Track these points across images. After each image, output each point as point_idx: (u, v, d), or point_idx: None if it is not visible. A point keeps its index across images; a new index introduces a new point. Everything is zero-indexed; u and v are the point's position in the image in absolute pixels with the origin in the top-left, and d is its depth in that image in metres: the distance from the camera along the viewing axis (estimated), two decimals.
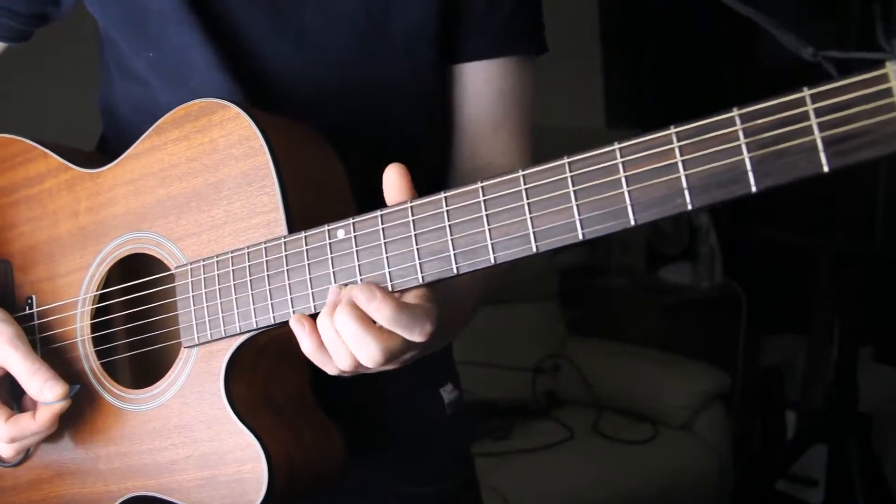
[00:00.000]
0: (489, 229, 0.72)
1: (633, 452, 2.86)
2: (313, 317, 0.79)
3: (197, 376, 0.87)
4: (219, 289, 0.85)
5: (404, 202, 0.76)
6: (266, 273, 0.82)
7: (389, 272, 0.76)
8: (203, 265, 0.86)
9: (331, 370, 0.80)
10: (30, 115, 2.28)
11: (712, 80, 3.75)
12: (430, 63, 1.01)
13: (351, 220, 0.78)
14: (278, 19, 0.96)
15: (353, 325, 0.74)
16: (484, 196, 0.72)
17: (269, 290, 0.82)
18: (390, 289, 0.76)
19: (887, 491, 2.88)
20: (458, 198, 0.74)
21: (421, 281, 0.75)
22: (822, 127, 0.60)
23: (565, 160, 0.69)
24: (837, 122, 0.59)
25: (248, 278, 0.83)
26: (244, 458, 0.83)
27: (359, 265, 0.77)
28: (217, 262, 0.85)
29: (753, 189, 0.62)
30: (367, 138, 0.99)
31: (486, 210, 0.72)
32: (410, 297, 0.76)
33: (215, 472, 0.85)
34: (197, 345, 0.87)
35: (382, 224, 0.77)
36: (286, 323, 0.80)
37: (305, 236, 0.80)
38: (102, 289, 0.95)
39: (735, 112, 0.63)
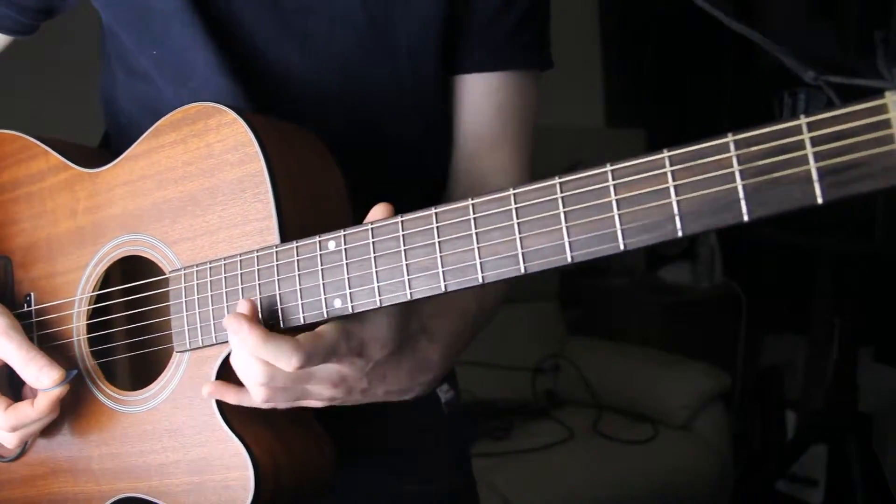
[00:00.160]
0: (478, 248, 0.71)
1: (633, 452, 2.86)
2: (300, 329, 0.79)
3: (188, 381, 0.87)
4: (211, 295, 0.85)
5: (395, 216, 0.76)
6: (258, 282, 0.82)
7: (378, 286, 0.75)
8: (196, 271, 0.86)
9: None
10: (34, 109, 2.29)
11: (712, 79, 3.75)
12: (432, 72, 1.01)
13: (342, 233, 0.78)
14: (282, 23, 0.96)
15: (234, 350, 0.78)
16: (474, 214, 0.72)
17: (260, 299, 0.81)
18: (377, 304, 0.76)
19: (887, 491, 2.88)
20: (449, 214, 0.73)
21: (409, 297, 0.74)
22: (817, 157, 0.58)
23: (556, 180, 0.68)
24: (834, 152, 0.58)
25: (240, 286, 0.83)
26: (232, 465, 0.84)
27: (348, 278, 0.77)
28: (210, 268, 0.85)
29: (745, 218, 0.61)
30: (367, 144, 0.99)
31: (475, 228, 0.71)
32: (325, 327, 0.77)
33: (203, 478, 0.86)
34: (188, 350, 0.87)
35: (373, 238, 0.76)
36: (279, 331, 0.80)
37: (297, 246, 0.80)
38: (100, 289, 0.95)
39: (730, 138, 0.62)
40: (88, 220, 0.96)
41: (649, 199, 0.64)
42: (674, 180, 0.63)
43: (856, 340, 2.96)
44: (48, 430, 0.96)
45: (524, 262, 0.69)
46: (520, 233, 0.69)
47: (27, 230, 1.01)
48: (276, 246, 0.81)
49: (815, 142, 0.59)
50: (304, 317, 0.79)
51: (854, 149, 0.57)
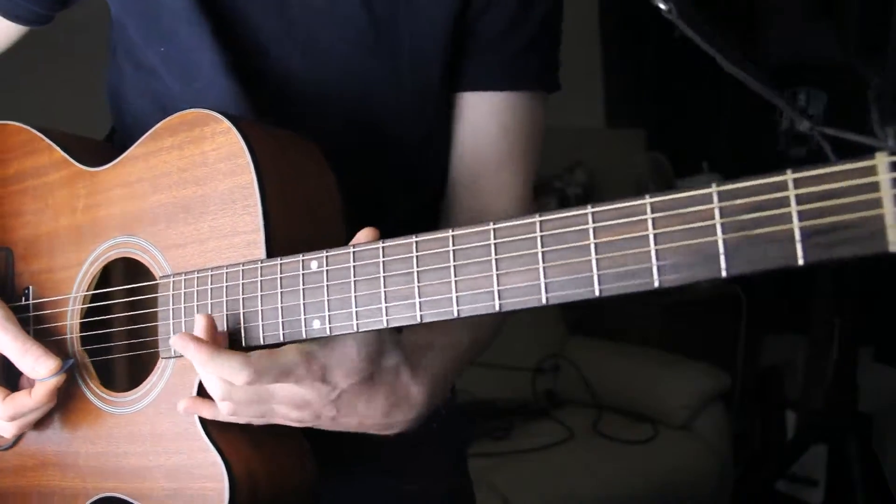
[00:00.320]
0: (455, 281, 0.70)
1: (633, 452, 2.86)
2: (277, 345, 0.80)
3: (172, 387, 0.87)
4: (196, 305, 0.85)
5: (377, 242, 0.75)
6: (241, 296, 0.82)
7: (357, 311, 0.75)
8: (184, 279, 0.86)
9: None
10: (44, 99, 2.29)
11: (712, 80, 3.75)
12: (434, 75, 1.00)
13: (325, 253, 0.77)
14: (289, 30, 0.96)
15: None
16: (454, 245, 0.71)
17: (243, 313, 0.82)
18: (355, 328, 0.75)
19: (887, 491, 2.88)
20: (429, 244, 0.72)
21: (386, 324, 0.74)
22: (802, 216, 0.56)
23: (537, 218, 0.67)
24: (819, 212, 0.55)
25: (225, 299, 0.83)
26: (209, 475, 0.84)
27: (328, 300, 0.77)
28: (197, 278, 0.85)
29: (724, 274, 0.59)
30: (366, 146, 0.99)
31: (454, 260, 0.71)
32: (285, 347, 0.78)
33: (182, 486, 0.86)
34: (173, 357, 0.87)
35: (354, 261, 0.76)
36: (258, 347, 0.80)
37: (281, 263, 0.80)
38: (97, 287, 0.96)
39: (713, 189, 0.59)
40: (87, 218, 0.97)
41: (628, 246, 0.63)
42: (654, 228, 0.62)
43: (856, 340, 2.96)
44: (40, 424, 0.97)
45: (499, 300, 0.68)
46: (497, 269, 0.68)
47: (29, 223, 1.02)
48: (262, 261, 0.81)
49: (801, 199, 0.56)
50: (283, 334, 0.79)
51: (840, 210, 0.55)
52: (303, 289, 0.78)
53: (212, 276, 0.84)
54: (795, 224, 0.56)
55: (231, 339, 0.82)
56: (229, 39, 0.95)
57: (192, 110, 0.88)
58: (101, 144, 1.11)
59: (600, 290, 0.64)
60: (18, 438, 1.00)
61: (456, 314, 0.70)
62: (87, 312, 0.96)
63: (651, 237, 0.62)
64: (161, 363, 0.88)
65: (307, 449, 0.90)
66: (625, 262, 0.63)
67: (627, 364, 3.19)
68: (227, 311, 0.83)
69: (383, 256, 0.74)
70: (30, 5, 1.05)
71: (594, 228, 0.64)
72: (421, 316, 0.72)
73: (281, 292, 0.79)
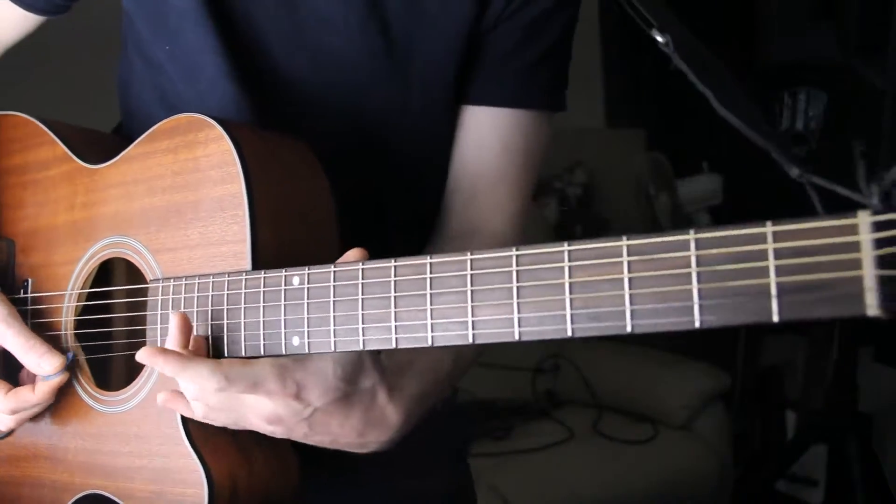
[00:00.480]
0: (431, 309, 0.70)
1: (633, 452, 2.85)
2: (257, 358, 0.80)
3: (158, 390, 0.87)
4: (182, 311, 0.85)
5: (357, 262, 0.75)
6: (225, 306, 0.82)
7: (334, 329, 0.75)
8: (173, 285, 0.87)
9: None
10: (53, 91, 2.29)
11: None
12: (444, 94, 1.00)
13: (306, 270, 0.77)
14: (297, 35, 0.96)
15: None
16: (430, 273, 0.70)
17: (226, 324, 0.82)
18: (332, 348, 0.75)
19: (887, 491, 2.88)
20: (407, 269, 0.72)
21: (362, 346, 0.74)
22: (779, 271, 0.54)
23: (513, 252, 0.66)
24: (797, 268, 0.54)
25: (209, 308, 0.84)
26: (189, 481, 0.85)
27: (308, 318, 0.77)
28: (185, 285, 0.86)
29: (696, 325, 0.57)
30: (367, 156, 0.99)
31: (430, 288, 0.70)
32: (260, 360, 0.78)
33: (163, 489, 0.87)
34: None
35: (334, 281, 0.75)
36: (241, 358, 0.81)
37: (264, 277, 0.80)
38: (91, 283, 0.97)
39: (691, 236, 0.58)
40: (84, 215, 0.98)
41: (602, 288, 0.62)
42: (629, 272, 0.61)
43: (856, 340, 2.96)
44: (34, 416, 0.98)
45: (473, 331, 0.67)
46: (472, 301, 0.67)
47: (31, 216, 1.03)
48: (246, 273, 0.82)
49: (779, 254, 0.55)
50: (263, 346, 0.80)
51: (819, 268, 0.53)
52: (284, 304, 0.78)
53: (198, 283, 0.85)
54: (772, 279, 0.55)
55: (214, 348, 0.83)
56: (235, 43, 0.95)
57: (188, 114, 0.88)
58: (106, 137, 1.12)
59: (573, 330, 0.63)
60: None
61: (430, 342, 0.70)
62: (82, 310, 0.97)
63: (626, 280, 0.61)
64: (149, 366, 0.89)
65: (292, 458, 0.90)
66: (599, 304, 0.62)
67: (627, 364, 3.18)
68: (210, 320, 0.83)
69: (362, 278, 0.74)
70: None
71: (570, 267, 0.63)
72: (396, 340, 0.71)
73: (263, 306, 0.80)
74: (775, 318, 0.54)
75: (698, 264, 0.58)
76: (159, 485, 0.87)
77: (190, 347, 0.81)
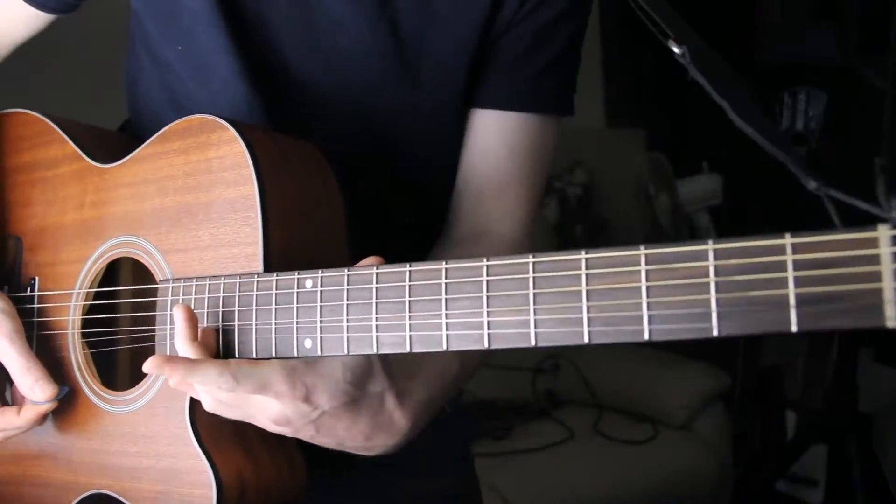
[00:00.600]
0: (446, 314, 0.70)
1: (633, 452, 2.85)
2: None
3: (167, 390, 0.88)
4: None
5: (371, 266, 0.75)
6: (237, 308, 0.82)
7: (348, 336, 0.75)
8: (183, 286, 0.87)
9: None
10: (62, 88, 2.29)
11: None
12: (454, 98, 1.00)
13: (319, 273, 0.77)
14: (310, 38, 0.96)
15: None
16: (446, 279, 0.70)
17: (237, 326, 0.82)
18: (345, 350, 0.75)
19: (887, 491, 2.88)
20: (422, 274, 0.71)
21: (375, 350, 0.74)
22: (798, 282, 0.55)
23: (530, 259, 0.66)
24: (816, 280, 0.54)
25: (220, 309, 0.83)
26: (197, 482, 0.84)
27: (321, 321, 0.77)
28: (195, 286, 0.86)
29: (714, 333, 0.58)
30: (377, 157, 0.99)
31: (445, 294, 0.70)
32: (269, 361, 0.78)
33: (170, 489, 0.87)
34: None
35: (348, 285, 0.75)
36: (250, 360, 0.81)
37: (276, 279, 0.80)
38: (98, 283, 0.97)
39: (710, 246, 0.58)
40: (93, 214, 0.98)
41: (620, 296, 0.62)
42: (647, 280, 0.61)
43: (856, 340, 2.96)
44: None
45: (489, 337, 0.67)
46: (488, 306, 0.67)
47: (39, 214, 1.03)
48: (258, 275, 0.81)
49: (798, 265, 0.55)
50: (275, 350, 0.79)
51: (838, 280, 0.53)
52: (296, 307, 0.78)
53: (209, 285, 0.84)
54: (791, 290, 0.55)
55: (224, 350, 0.83)
56: (247, 44, 0.95)
57: (200, 116, 0.88)
58: (115, 136, 1.12)
59: (589, 337, 0.63)
60: None
61: (445, 347, 0.69)
62: (89, 309, 0.97)
63: (644, 289, 0.61)
64: None
65: (299, 459, 0.90)
66: (616, 312, 0.62)
67: (627, 364, 3.18)
68: (221, 322, 0.83)
69: (377, 282, 0.74)
70: None
71: (587, 275, 0.63)
72: (410, 345, 0.71)
73: (275, 308, 0.79)
74: (794, 329, 0.55)
75: (717, 274, 0.58)
76: (167, 485, 0.87)
77: (199, 339, 0.81)
